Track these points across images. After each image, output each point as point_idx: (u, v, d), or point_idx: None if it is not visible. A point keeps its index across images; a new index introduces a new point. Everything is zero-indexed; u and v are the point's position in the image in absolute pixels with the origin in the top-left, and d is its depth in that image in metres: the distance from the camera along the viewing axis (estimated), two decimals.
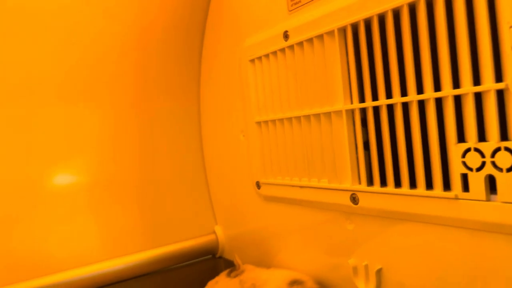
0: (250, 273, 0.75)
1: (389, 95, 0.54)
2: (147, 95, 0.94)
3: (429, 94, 0.49)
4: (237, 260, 0.78)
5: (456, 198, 0.48)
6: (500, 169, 0.43)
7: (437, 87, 0.49)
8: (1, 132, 0.80)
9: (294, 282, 0.67)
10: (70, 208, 0.85)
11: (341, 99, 0.61)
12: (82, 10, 0.83)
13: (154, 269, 0.92)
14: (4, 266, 0.79)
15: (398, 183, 0.55)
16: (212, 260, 0.99)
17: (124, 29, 0.88)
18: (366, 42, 0.56)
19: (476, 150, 0.45)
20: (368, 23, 0.56)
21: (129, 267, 0.89)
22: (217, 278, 0.79)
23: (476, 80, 0.45)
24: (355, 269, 0.63)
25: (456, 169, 0.47)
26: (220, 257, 0.99)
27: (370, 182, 0.59)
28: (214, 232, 0.98)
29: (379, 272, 0.59)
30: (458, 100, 0.47)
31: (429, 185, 0.51)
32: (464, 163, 0.47)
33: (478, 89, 0.44)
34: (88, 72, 0.87)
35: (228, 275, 0.78)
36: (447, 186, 0.49)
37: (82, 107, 0.88)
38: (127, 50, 0.89)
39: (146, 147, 0.94)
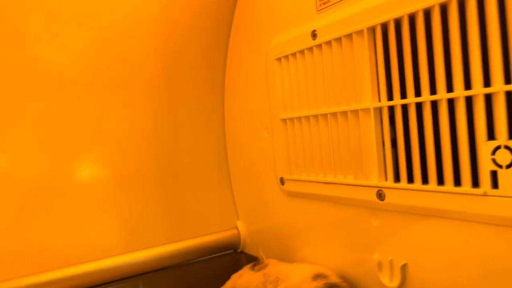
0: (274, 267, 0.77)
1: (417, 93, 0.55)
2: (173, 91, 0.96)
3: (459, 92, 0.50)
4: (261, 254, 0.80)
5: (485, 194, 0.48)
6: None
7: (467, 85, 0.50)
8: (31, 124, 0.83)
9: (318, 276, 0.69)
10: (93, 200, 0.88)
11: (369, 97, 0.62)
12: (112, 12, 0.86)
13: (175, 263, 0.94)
14: (24, 257, 0.82)
15: (425, 180, 0.56)
16: (233, 255, 1.00)
17: (151, 28, 0.90)
18: (395, 41, 0.57)
19: (506, 147, 0.46)
20: (398, 23, 0.57)
21: (151, 260, 0.91)
22: (240, 272, 0.81)
23: (507, 79, 0.46)
24: (379, 264, 0.64)
25: (486, 166, 0.48)
26: (242, 252, 1.00)
27: (396, 179, 0.60)
28: (236, 227, 1.00)
29: (404, 267, 0.60)
30: (488, 98, 0.48)
31: (457, 182, 0.52)
32: (494, 160, 0.47)
33: (508, 87, 0.45)
34: (114, 68, 0.89)
35: (252, 268, 0.79)
36: (475, 183, 0.50)
37: (108, 101, 0.90)
38: (154, 48, 0.92)
39: (170, 142, 0.96)
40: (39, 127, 0.84)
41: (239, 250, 1.00)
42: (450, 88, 0.52)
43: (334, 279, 0.68)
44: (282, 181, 0.82)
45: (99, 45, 0.87)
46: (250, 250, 0.99)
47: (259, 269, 0.78)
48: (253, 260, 0.84)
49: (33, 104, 0.84)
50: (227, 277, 0.84)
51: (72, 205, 0.86)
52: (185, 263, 0.95)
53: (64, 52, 0.84)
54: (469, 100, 0.50)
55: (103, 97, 0.89)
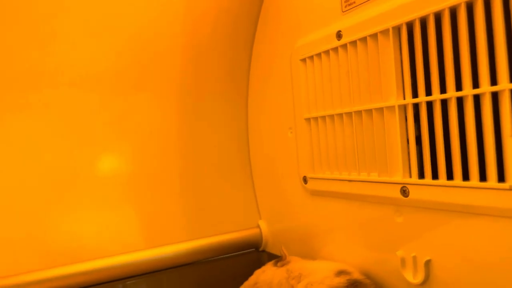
0: (297, 263, 0.78)
1: (442, 91, 0.56)
2: (197, 90, 0.99)
3: (485, 88, 0.51)
4: (284, 251, 0.81)
5: (511, 189, 0.49)
6: None
7: (493, 81, 0.51)
8: (58, 118, 0.87)
9: (341, 272, 0.69)
10: (115, 196, 0.91)
11: (393, 95, 0.63)
12: (139, 14, 0.89)
13: (196, 260, 0.96)
14: (45, 250, 0.84)
15: (449, 176, 0.57)
16: (255, 253, 1.02)
17: (177, 29, 0.93)
18: (421, 40, 0.58)
19: None
20: (423, 22, 0.58)
21: (172, 257, 0.93)
22: (263, 268, 0.82)
23: None
24: (403, 261, 0.64)
25: (511, 161, 0.49)
26: (263, 251, 1.02)
27: (421, 175, 0.61)
28: (258, 226, 1.02)
29: (427, 263, 0.61)
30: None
31: (482, 177, 0.53)
32: None
33: None
34: (141, 67, 0.93)
35: (275, 264, 0.80)
36: (500, 178, 0.51)
37: (133, 99, 0.93)
38: (180, 49, 0.95)
39: (193, 140, 0.99)
40: (66, 121, 0.88)
41: (261, 249, 1.02)
42: (475, 85, 0.52)
43: (357, 275, 0.69)
44: (305, 180, 0.84)
45: (127, 44, 0.90)
46: (271, 249, 1.00)
47: (282, 265, 0.79)
48: (274, 259, 0.86)
49: (61, 99, 0.87)
50: (248, 276, 0.85)
51: (95, 200, 0.89)
52: (207, 260, 0.97)
53: (94, 51, 0.88)
54: (494, 96, 0.51)
55: (129, 94, 0.93)
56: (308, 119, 0.81)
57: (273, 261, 0.82)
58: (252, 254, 1.02)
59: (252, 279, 0.81)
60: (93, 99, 0.90)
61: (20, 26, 0.81)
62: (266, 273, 0.80)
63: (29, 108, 0.85)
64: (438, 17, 0.57)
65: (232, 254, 1.00)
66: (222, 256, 0.99)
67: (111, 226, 0.91)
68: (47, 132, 0.86)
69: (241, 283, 0.85)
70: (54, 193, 0.86)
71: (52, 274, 0.82)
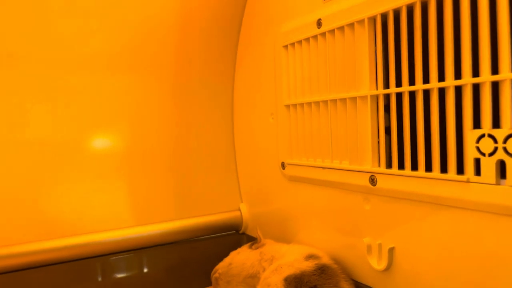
0: (270, 246, 0.80)
1: (411, 82, 0.57)
2: (186, 75, 0.99)
3: (450, 82, 0.52)
4: (259, 234, 0.83)
5: (468, 181, 0.50)
6: (511, 155, 0.46)
7: (457, 75, 0.51)
8: (56, 95, 0.88)
9: (310, 256, 0.71)
10: (107, 173, 0.93)
11: (366, 85, 0.64)
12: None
13: (179, 239, 0.98)
14: (38, 222, 0.86)
15: (414, 167, 0.58)
16: (235, 236, 1.04)
17: (168, 14, 0.94)
18: (394, 31, 0.59)
19: (490, 136, 0.48)
20: (397, 13, 0.59)
21: (157, 235, 0.95)
22: (239, 249, 0.84)
23: (494, 70, 0.47)
24: (369, 247, 0.66)
25: (470, 154, 0.50)
26: (243, 233, 1.04)
27: (388, 165, 0.62)
28: (239, 209, 1.03)
29: (391, 250, 0.63)
30: (476, 88, 0.50)
31: (443, 169, 0.54)
32: (478, 148, 0.49)
33: (495, 78, 0.47)
34: (135, 48, 0.94)
35: (250, 247, 0.83)
36: (460, 170, 0.52)
37: (126, 79, 0.94)
38: (170, 32, 0.95)
39: (181, 123, 1.00)
40: (61, 99, 0.89)
41: (241, 231, 1.04)
42: (441, 78, 0.53)
43: (325, 260, 0.71)
44: (283, 166, 0.85)
45: (120, 26, 0.91)
46: (251, 232, 1.02)
47: (256, 248, 0.81)
48: (250, 242, 0.88)
49: (56, 77, 0.88)
50: (227, 256, 0.87)
51: (88, 176, 0.91)
52: (189, 240, 0.99)
53: (87, 31, 0.89)
54: (458, 90, 0.52)
55: (122, 75, 0.94)
56: (288, 106, 0.82)
57: (248, 244, 0.84)
58: (233, 236, 1.04)
59: (226, 260, 0.83)
60: (87, 79, 0.91)
61: (16, 5, 0.81)
62: (241, 254, 0.82)
63: (25, 85, 0.86)
64: (410, 9, 0.57)
65: (213, 235, 1.02)
66: (203, 237, 1.01)
67: (102, 202, 0.93)
68: (41, 108, 0.87)
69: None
70: (46, 168, 0.88)
71: (42, 246, 0.84)
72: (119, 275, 0.91)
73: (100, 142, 0.93)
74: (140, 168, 0.96)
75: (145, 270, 0.94)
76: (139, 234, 0.93)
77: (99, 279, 0.89)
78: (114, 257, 0.91)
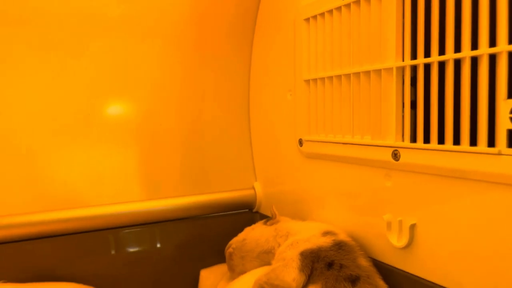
0: (286, 223, 0.79)
1: (441, 53, 0.55)
2: (203, 48, 0.98)
3: (484, 49, 0.50)
4: (274, 210, 0.82)
5: (500, 153, 0.48)
6: None
7: (492, 43, 0.49)
8: (68, 61, 0.87)
9: (327, 232, 0.70)
10: (120, 144, 0.92)
11: (392, 57, 0.62)
12: None
13: (191, 215, 0.97)
14: (50, 193, 0.86)
15: (441, 141, 0.56)
16: (248, 214, 1.03)
17: None
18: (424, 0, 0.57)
19: None
20: None
21: (169, 210, 0.94)
22: (253, 226, 0.83)
23: None
24: (388, 224, 0.65)
25: (503, 125, 0.48)
26: (257, 212, 1.03)
27: (413, 139, 0.60)
28: (253, 188, 1.02)
29: (412, 227, 0.61)
30: (510, 56, 0.48)
31: (472, 142, 0.52)
32: (511, 119, 0.47)
33: None
34: (153, 16, 0.92)
35: (265, 223, 0.81)
36: (491, 143, 0.50)
37: (145, 47, 0.93)
38: (188, 1, 0.93)
39: (197, 97, 0.99)
40: (80, 64, 0.88)
41: (254, 210, 1.03)
42: (475, 46, 0.51)
43: (343, 236, 0.69)
44: (300, 143, 0.83)
45: None
46: (264, 211, 1.01)
47: (271, 224, 0.80)
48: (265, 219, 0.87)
49: (78, 42, 0.87)
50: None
51: (101, 146, 0.91)
52: (202, 217, 0.98)
53: None
54: (492, 59, 0.50)
55: (143, 43, 0.93)
56: (307, 81, 0.80)
57: (263, 220, 0.83)
58: (246, 215, 1.03)
59: (241, 235, 0.82)
60: (104, 44, 0.89)
61: None
62: (255, 230, 0.81)
63: (41, 50, 0.85)
64: None
65: (226, 213, 1.01)
66: (216, 214, 1.00)
67: (114, 174, 0.92)
68: (56, 74, 0.86)
69: None
70: (59, 136, 0.87)
71: (50, 217, 0.84)
72: (131, 249, 0.91)
73: (115, 111, 0.92)
74: (155, 142, 0.95)
75: (158, 245, 0.93)
76: (152, 208, 0.93)
77: (111, 252, 0.89)
78: (127, 230, 0.91)
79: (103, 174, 0.91)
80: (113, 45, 0.90)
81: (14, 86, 0.84)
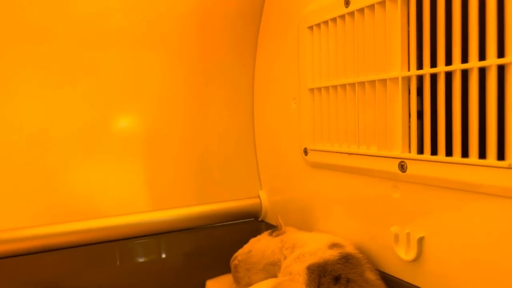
0: (292, 234, 0.78)
1: (447, 63, 0.54)
2: (205, 56, 0.97)
3: (492, 60, 0.48)
4: (280, 221, 0.81)
5: (510, 167, 0.47)
6: None
7: (501, 53, 0.48)
8: (75, 74, 0.87)
9: (334, 245, 0.69)
10: (126, 156, 0.92)
11: (398, 66, 0.60)
12: None
13: (197, 225, 0.96)
14: (56, 206, 0.86)
15: (449, 153, 0.55)
16: (254, 223, 1.02)
17: None
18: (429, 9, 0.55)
19: None
20: None
21: (175, 220, 0.94)
22: (259, 237, 0.82)
23: None
24: (396, 237, 0.63)
25: None
26: (262, 221, 1.02)
27: (420, 151, 0.59)
28: (258, 196, 1.01)
29: (420, 240, 0.60)
30: None
31: (481, 155, 0.51)
32: None
33: None
34: (156, 29, 0.91)
35: (270, 234, 0.80)
36: (501, 156, 0.49)
37: (148, 60, 0.93)
38: (192, 13, 0.93)
39: (201, 107, 0.98)
40: (85, 77, 0.88)
41: (260, 219, 1.02)
42: (483, 57, 0.50)
43: (349, 249, 0.68)
44: (305, 152, 0.82)
45: (148, 6, 0.89)
46: (270, 220, 1.00)
47: (277, 235, 0.79)
48: (271, 229, 0.85)
49: (83, 56, 0.87)
50: (245, 244, 0.85)
51: (108, 159, 0.90)
52: (207, 227, 0.97)
53: (114, 9, 0.87)
54: (501, 70, 0.48)
55: (147, 56, 0.92)
56: (312, 90, 0.79)
57: (269, 231, 0.82)
58: (251, 224, 1.02)
59: (246, 247, 0.81)
60: (109, 58, 0.89)
61: None
62: (261, 242, 0.80)
63: (47, 63, 0.85)
64: None
65: (231, 222, 1.00)
66: (221, 224, 0.99)
67: (120, 185, 0.92)
68: (62, 88, 0.86)
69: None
70: (66, 149, 0.87)
71: (58, 229, 0.84)
72: (137, 260, 0.91)
73: (121, 125, 0.92)
74: (160, 153, 0.95)
75: (163, 255, 0.93)
76: (157, 219, 0.92)
77: (118, 263, 0.88)
78: (133, 242, 0.90)
79: (109, 186, 0.90)
80: (120, 57, 0.90)
81: (23, 100, 0.84)
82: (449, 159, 0.54)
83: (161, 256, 0.93)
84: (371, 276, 0.63)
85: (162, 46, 0.93)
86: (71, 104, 0.87)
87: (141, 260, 0.91)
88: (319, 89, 0.77)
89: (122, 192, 0.92)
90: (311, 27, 0.78)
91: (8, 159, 0.83)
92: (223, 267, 0.91)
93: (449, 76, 0.54)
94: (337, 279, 0.61)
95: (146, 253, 0.92)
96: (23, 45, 0.82)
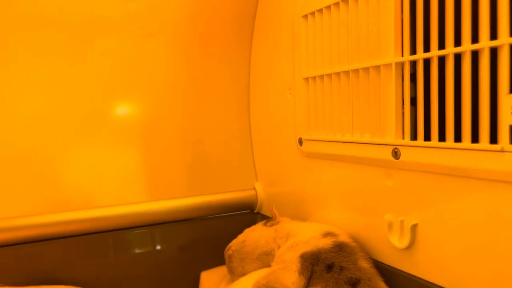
0: (286, 224, 0.77)
1: (440, 48, 0.53)
2: (202, 49, 0.97)
3: (485, 43, 0.48)
4: (274, 211, 0.80)
5: (502, 150, 0.47)
6: None
7: (493, 36, 0.47)
8: (70, 64, 0.86)
9: (328, 234, 0.68)
10: (123, 146, 0.91)
11: (391, 52, 0.60)
12: None
13: (192, 216, 0.96)
14: (51, 195, 0.86)
15: (442, 138, 0.54)
16: (250, 215, 1.02)
17: None
18: None
19: None
20: None
21: (171, 211, 0.93)
22: (253, 227, 0.82)
23: None
24: (390, 225, 0.63)
25: (505, 121, 0.46)
26: (258, 213, 1.02)
27: (413, 137, 0.59)
28: (254, 188, 1.01)
29: (414, 227, 0.59)
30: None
31: (474, 139, 0.50)
32: None
33: None
34: (152, 16, 0.91)
35: (265, 224, 0.80)
36: (493, 140, 0.48)
37: (144, 48, 0.92)
38: (188, 1, 0.92)
39: (197, 97, 0.98)
40: (80, 66, 0.87)
41: (255, 211, 1.02)
42: (474, 40, 0.49)
43: (343, 238, 0.68)
44: (300, 142, 0.82)
45: None
46: (266, 212, 1.00)
47: (271, 225, 0.78)
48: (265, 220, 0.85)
49: (79, 44, 0.87)
50: None
51: (103, 149, 0.90)
52: (203, 218, 0.97)
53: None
54: (493, 53, 0.48)
55: (143, 44, 0.92)
56: (306, 79, 0.79)
57: (263, 222, 0.82)
58: (247, 216, 1.02)
59: (240, 237, 0.81)
60: (104, 45, 0.89)
61: None
62: (255, 232, 0.79)
63: (41, 52, 0.84)
64: None
65: (227, 213, 1.00)
66: (217, 215, 0.99)
67: (117, 176, 0.92)
68: (57, 77, 0.86)
69: None
70: (60, 139, 0.87)
71: (53, 219, 0.84)
72: (132, 251, 0.90)
73: (117, 115, 0.92)
74: (156, 144, 0.95)
75: (158, 246, 0.92)
76: (153, 210, 0.92)
77: (112, 253, 0.88)
78: (128, 232, 0.90)
79: (104, 176, 0.90)
80: (116, 46, 0.90)
81: (20, 89, 0.83)
82: (442, 144, 0.53)
83: (156, 247, 0.92)
84: (364, 264, 0.62)
85: (159, 35, 0.93)
86: (68, 93, 0.87)
87: (136, 250, 0.91)
88: (314, 78, 0.76)
89: (118, 183, 0.92)
90: (305, 16, 0.78)
91: (4, 148, 0.82)
92: (218, 259, 0.91)
93: (442, 61, 0.53)
94: (330, 267, 0.61)
95: (141, 244, 0.91)
96: (21, 33, 0.82)
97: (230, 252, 0.79)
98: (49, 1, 0.83)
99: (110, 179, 0.91)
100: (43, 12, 0.83)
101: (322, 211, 0.79)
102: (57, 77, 0.86)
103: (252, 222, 0.99)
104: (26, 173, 0.84)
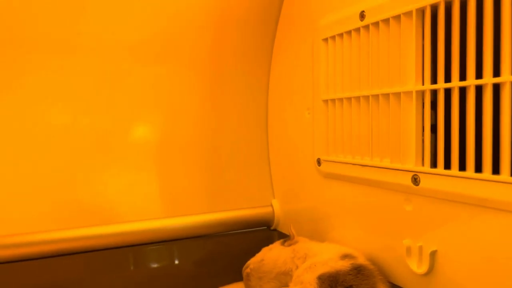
0: (304, 244, 0.78)
1: (462, 78, 0.54)
2: (221, 68, 0.99)
3: (507, 77, 0.49)
4: (292, 230, 0.81)
5: None
6: None
7: None
8: (94, 83, 0.89)
9: (346, 256, 0.69)
10: (141, 163, 0.93)
11: (412, 80, 0.61)
12: None
13: (209, 233, 0.97)
14: (72, 211, 0.88)
15: (462, 167, 0.55)
16: (266, 232, 1.03)
17: (205, 4, 0.93)
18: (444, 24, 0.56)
19: None
20: (448, 5, 0.56)
21: (187, 227, 0.94)
22: (271, 246, 0.83)
23: None
24: (408, 250, 0.63)
25: None
26: (275, 230, 1.03)
27: (433, 164, 0.59)
28: (271, 205, 1.02)
29: (433, 254, 0.60)
30: None
31: (495, 170, 0.51)
32: None
33: None
34: (171, 39, 0.93)
35: (282, 243, 0.81)
36: None
37: (164, 70, 0.95)
38: (207, 24, 0.95)
39: (216, 116, 1.00)
40: (101, 88, 0.90)
41: (272, 228, 1.03)
42: (496, 73, 0.50)
43: (361, 260, 0.68)
44: (319, 162, 0.83)
45: (154, 15, 0.91)
46: (283, 229, 1.01)
47: (289, 245, 0.79)
48: (283, 239, 0.86)
49: (99, 67, 0.89)
50: (257, 252, 0.86)
51: (122, 166, 0.92)
52: (219, 234, 0.98)
53: (130, 19, 0.89)
54: None
55: (162, 66, 0.94)
56: (326, 101, 0.80)
57: (281, 240, 0.83)
58: (264, 232, 1.03)
59: (259, 256, 0.82)
60: (124, 68, 0.91)
61: None
62: (273, 251, 0.80)
63: (63, 74, 0.87)
64: (463, 1, 0.54)
65: (243, 230, 1.01)
66: (233, 232, 1.00)
67: (134, 192, 0.93)
68: (79, 98, 0.89)
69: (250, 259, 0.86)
70: (82, 157, 0.89)
71: (73, 234, 0.85)
72: (150, 266, 0.92)
73: (136, 133, 0.94)
74: (174, 161, 0.96)
75: (176, 262, 0.94)
76: (170, 226, 0.93)
77: (131, 268, 0.90)
78: (146, 248, 0.91)
79: (123, 193, 0.92)
80: (133, 69, 0.92)
81: (46, 109, 0.86)
82: (462, 173, 0.54)
83: (173, 262, 0.94)
84: (383, 287, 0.63)
85: (178, 58, 0.95)
86: (92, 113, 0.89)
87: (153, 266, 0.92)
88: (333, 100, 0.78)
89: (136, 199, 0.94)
90: (326, 39, 0.79)
91: (29, 165, 0.85)
92: (234, 275, 0.92)
93: (463, 91, 0.54)
94: None
95: (158, 260, 0.93)
96: (45, 58, 0.85)
97: (248, 270, 0.80)
98: (73, 28, 0.85)
99: (128, 196, 0.93)
100: (66, 37, 0.86)
101: (340, 231, 0.80)
102: (82, 98, 0.89)
103: (269, 239, 1.00)
104: (49, 189, 0.86)
